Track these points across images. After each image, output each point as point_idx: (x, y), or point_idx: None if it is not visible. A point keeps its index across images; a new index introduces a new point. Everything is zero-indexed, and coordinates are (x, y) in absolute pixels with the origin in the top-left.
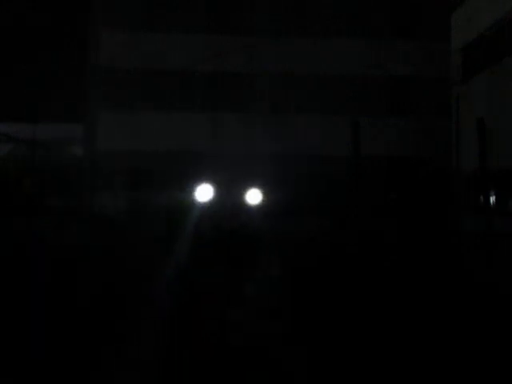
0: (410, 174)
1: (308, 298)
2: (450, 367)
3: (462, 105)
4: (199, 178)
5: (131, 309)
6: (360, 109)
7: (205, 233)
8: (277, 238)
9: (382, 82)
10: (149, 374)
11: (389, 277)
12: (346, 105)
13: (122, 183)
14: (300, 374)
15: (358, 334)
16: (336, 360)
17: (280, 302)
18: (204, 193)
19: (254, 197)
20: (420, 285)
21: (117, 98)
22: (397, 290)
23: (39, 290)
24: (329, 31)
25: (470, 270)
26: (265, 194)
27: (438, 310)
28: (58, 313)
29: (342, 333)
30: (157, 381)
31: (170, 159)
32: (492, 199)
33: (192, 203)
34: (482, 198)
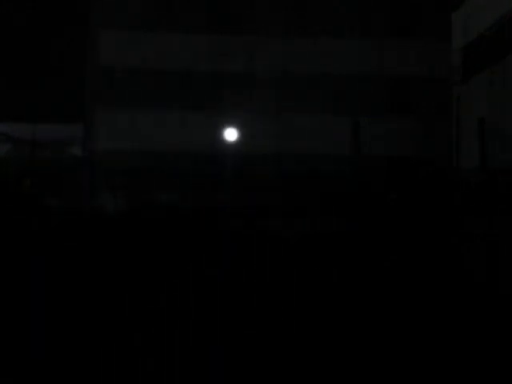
0: (410, 174)
1: (308, 296)
2: (449, 367)
3: (462, 105)
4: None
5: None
6: (360, 109)
7: None
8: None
9: (381, 82)
10: None
11: (389, 276)
12: (346, 105)
13: (122, 182)
14: None
15: (356, 333)
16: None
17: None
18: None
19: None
20: (420, 284)
21: (116, 97)
22: (397, 289)
23: (39, 292)
24: (329, 31)
25: (470, 270)
26: None
27: (437, 310)
28: (57, 314)
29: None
30: None
31: (169, 159)
32: (492, 198)
33: None
34: (482, 196)
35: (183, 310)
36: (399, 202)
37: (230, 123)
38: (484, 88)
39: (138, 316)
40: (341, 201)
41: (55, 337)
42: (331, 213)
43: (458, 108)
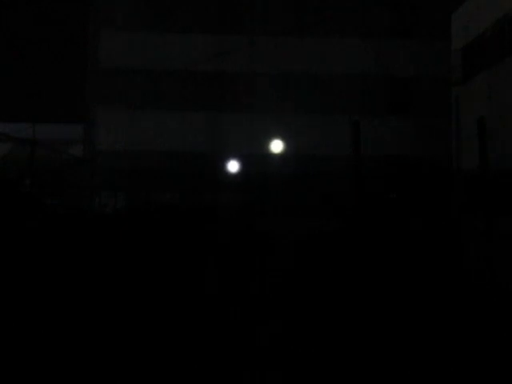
0: (409, 174)
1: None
2: (449, 362)
3: (462, 105)
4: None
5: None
6: (360, 109)
7: None
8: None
9: (381, 82)
10: None
11: (389, 275)
12: (346, 105)
13: (122, 182)
14: None
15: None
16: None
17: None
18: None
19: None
20: (420, 283)
21: (116, 97)
22: (396, 288)
23: (40, 291)
24: (329, 31)
25: (470, 269)
26: None
27: (436, 307)
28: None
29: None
30: None
31: (169, 159)
32: (492, 199)
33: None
34: (482, 197)
35: (183, 309)
36: (399, 202)
37: (231, 123)
38: (484, 88)
39: (137, 314)
40: (340, 201)
41: (55, 335)
42: (331, 213)
43: (457, 108)
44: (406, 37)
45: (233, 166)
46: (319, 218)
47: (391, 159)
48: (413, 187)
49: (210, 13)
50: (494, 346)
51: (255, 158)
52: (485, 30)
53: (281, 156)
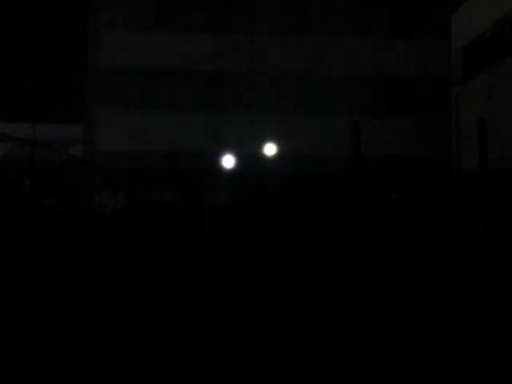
0: (409, 174)
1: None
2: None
3: (462, 105)
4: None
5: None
6: (360, 109)
7: None
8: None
9: (381, 82)
10: None
11: (389, 275)
12: (346, 105)
13: (122, 182)
14: None
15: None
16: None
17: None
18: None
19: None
20: (420, 283)
21: (117, 97)
22: (397, 287)
23: (39, 292)
24: (329, 31)
25: (470, 270)
26: None
27: (437, 307)
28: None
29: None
30: None
31: (169, 159)
32: (492, 199)
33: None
34: (482, 197)
35: (183, 309)
36: (399, 202)
37: (231, 123)
38: (484, 88)
39: (137, 314)
40: (340, 201)
41: (55, 336)
42: (331, 213)
43: (457, 108)
44: (406, 37)
45: (228, 161)
46: (319, 218)
47: (391, 159)
48: (413, 187)
49: (209, 13)
50: (493, 345)
51: (255, 157)
52: (485, 29)
53: (281, 156)
